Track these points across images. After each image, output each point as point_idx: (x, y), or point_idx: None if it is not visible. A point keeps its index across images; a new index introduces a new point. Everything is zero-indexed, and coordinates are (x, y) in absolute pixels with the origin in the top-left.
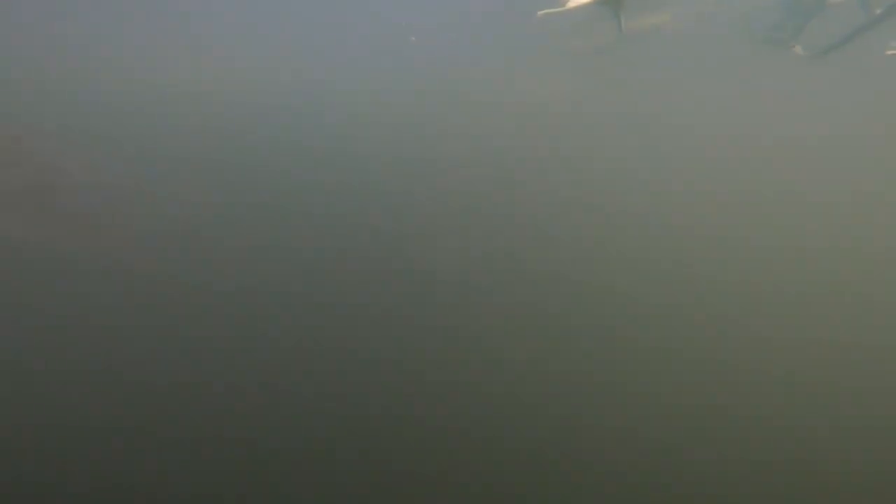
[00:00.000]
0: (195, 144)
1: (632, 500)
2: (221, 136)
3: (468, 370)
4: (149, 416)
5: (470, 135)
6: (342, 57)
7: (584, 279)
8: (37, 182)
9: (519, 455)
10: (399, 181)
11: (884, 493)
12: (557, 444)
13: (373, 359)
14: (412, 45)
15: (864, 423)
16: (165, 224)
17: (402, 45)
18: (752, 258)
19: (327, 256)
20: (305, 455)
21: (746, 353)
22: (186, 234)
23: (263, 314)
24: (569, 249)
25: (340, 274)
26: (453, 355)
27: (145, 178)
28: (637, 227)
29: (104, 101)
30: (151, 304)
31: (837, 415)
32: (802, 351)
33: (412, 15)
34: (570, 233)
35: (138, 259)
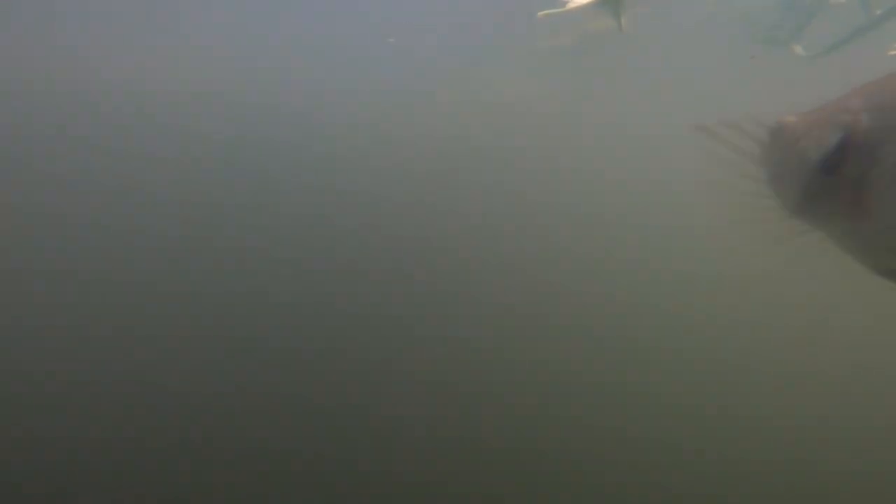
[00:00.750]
0: (168, 145)
1: (632, 501)
2: (205, 138)
3: (460, 373)
4: (143, 421)
5: (459, 137)
6: (319, 58)
7: (580, 280)
8: None
9: (519, 455)
10: (390, 183)
11: (884, 494)
12: (554, 446)
13: (362, 359)
14: (392, 45)
15: (864, 424)
16: (130, 225)
17: (383, 45)
18: (748, 259)
19: (307, 257)
20: (297, 458)
21: (744, 354)
22: (152, 235)
23: (223, 315)
24: (568, 252)
25: (316, 275)
26: (446, 357)
27: (112, 177)
28: (639, 228)
29: (71, 101)
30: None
31: (839, 415)
32: (801, 351)
33: (396, 15)
34: (569, 236)
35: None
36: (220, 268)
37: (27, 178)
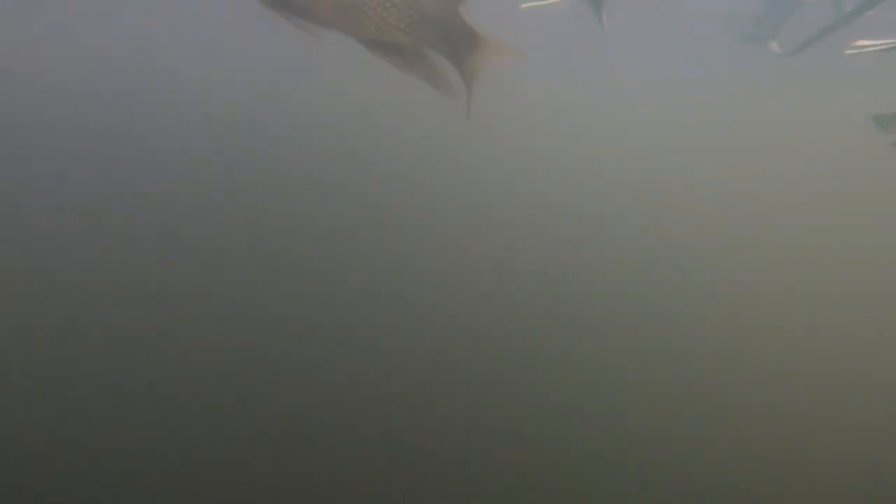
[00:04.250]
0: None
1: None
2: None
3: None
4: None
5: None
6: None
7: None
8: None
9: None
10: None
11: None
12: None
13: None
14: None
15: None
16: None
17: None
18: (730, 259)
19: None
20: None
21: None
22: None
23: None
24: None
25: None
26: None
27: None
28: (625, 228)
29: None
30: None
31: (840, 414)
32: (792, 354)
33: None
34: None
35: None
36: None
37: None
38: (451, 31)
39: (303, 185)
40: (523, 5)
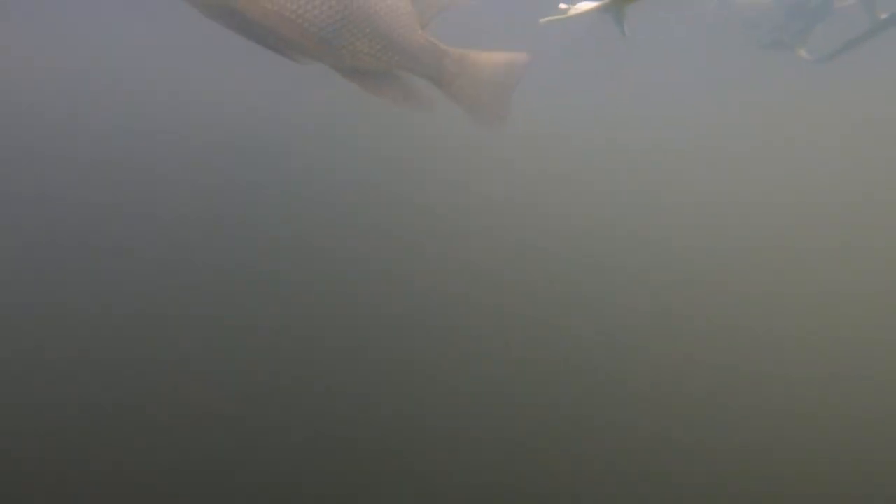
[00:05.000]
0: None
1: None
2: None
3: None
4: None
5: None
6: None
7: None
8: None
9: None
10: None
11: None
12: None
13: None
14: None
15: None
16: None
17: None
18: (751, 264)
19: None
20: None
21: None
22: None
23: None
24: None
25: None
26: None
27: None
28: (637, 239)
29: None
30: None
31: (839, 414)
32: (793, 355)
33: None
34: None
35: None
36: None
37: None
38: (416, 52)
39: (297, 189)
40: (542, 20)
